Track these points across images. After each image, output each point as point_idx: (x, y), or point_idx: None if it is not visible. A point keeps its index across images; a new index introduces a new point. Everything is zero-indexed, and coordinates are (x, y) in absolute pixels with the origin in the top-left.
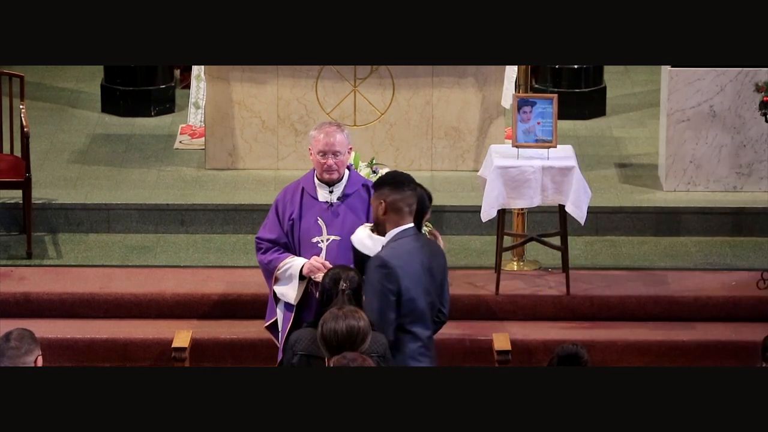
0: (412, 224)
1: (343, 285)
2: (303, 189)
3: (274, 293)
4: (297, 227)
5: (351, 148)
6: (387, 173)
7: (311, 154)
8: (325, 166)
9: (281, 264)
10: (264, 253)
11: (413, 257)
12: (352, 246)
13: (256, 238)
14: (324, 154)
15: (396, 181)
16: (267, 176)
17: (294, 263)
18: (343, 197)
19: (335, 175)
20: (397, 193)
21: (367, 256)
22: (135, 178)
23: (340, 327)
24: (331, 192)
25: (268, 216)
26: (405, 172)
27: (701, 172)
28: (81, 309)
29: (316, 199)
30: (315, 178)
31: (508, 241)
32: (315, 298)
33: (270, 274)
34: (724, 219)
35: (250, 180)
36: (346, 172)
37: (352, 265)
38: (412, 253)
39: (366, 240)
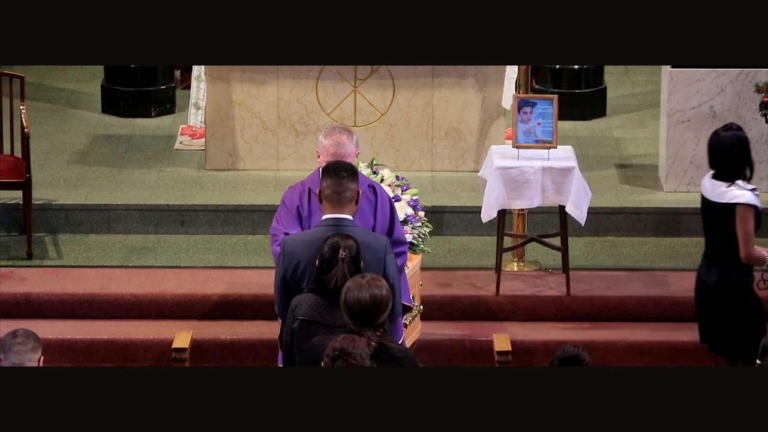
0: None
1: (342, 254)
2: (310, 190)
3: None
4: (306, 227)
5: (359, 153)
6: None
7: (319, 157)
8: None
9: None
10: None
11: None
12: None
13: (272, 229)
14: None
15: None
16: (267, 177)
17: None
18: None
19: None
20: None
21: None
22: (135, 179)
23: (364, 296)
24: None
25: (279, 212)
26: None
27: (701, 172)
28: (81, 309)
29: None
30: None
31: (508, 241)
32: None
33: None
34: None
35: (250, 181)
36: None
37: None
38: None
39: (707, 184)
